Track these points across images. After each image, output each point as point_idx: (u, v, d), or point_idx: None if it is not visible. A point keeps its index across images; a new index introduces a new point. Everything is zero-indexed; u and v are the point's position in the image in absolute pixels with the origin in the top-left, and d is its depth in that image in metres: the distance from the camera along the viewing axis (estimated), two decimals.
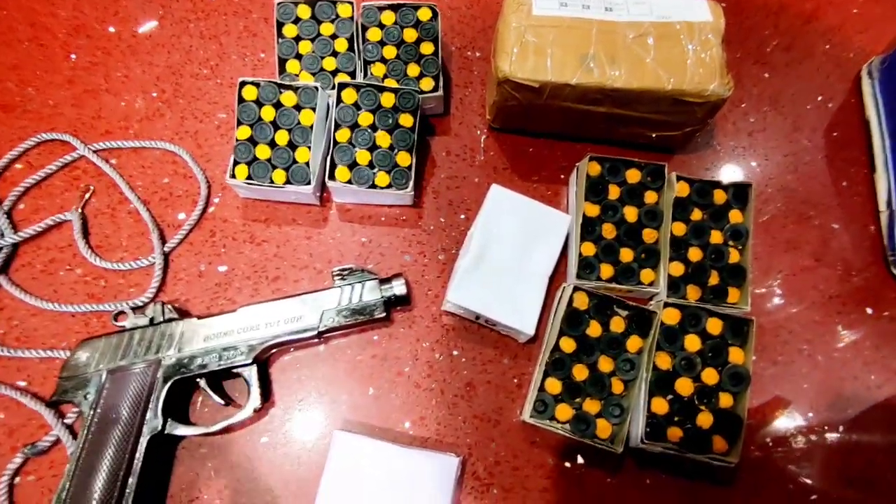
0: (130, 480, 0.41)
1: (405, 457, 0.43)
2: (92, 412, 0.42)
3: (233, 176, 0.50)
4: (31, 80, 0.57)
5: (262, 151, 0.50)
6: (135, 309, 0.48)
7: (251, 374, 0.45)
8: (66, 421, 0.45)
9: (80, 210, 0.52)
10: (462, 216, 0.54)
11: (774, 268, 0.55)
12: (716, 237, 0.51)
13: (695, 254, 0.51)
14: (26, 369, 0.47)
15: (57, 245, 0.51)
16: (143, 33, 0.60)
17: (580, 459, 0.47)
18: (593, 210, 0.51)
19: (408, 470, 0.42)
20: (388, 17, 0.55)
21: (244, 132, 0.51)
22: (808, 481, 0.48)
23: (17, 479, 0.44)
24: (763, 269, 0.54)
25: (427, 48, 0.55)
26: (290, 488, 0.45)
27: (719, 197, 0.52)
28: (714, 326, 0.47)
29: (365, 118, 0.51)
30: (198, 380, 0.45)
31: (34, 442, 0.44)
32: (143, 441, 0.42)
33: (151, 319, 0.46)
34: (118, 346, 0.45)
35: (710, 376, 0.46)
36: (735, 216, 0.52)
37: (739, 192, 0.52)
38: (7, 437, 0.45)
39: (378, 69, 0.54)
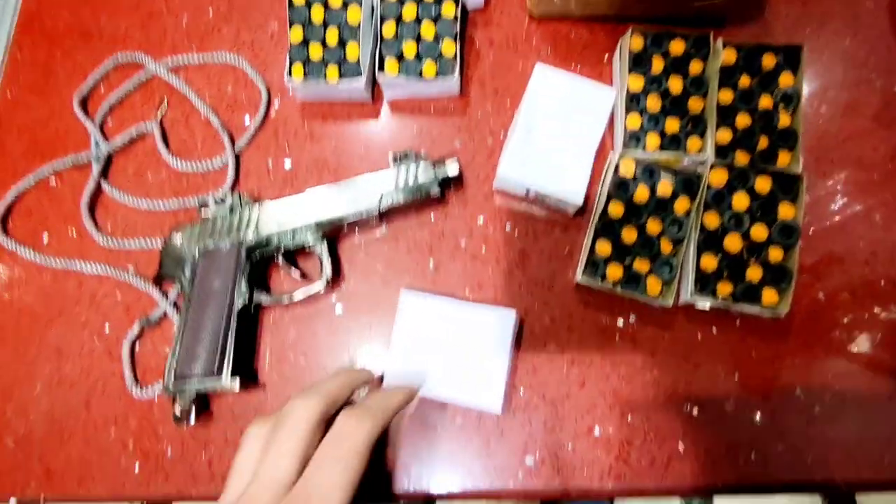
0: (229, 336, 0.47)
1: (466, 310, 0.47)
2: (190, 287, 0.49)
3: (290, 74, 0.54)
4: (102, 8, 0.62)
5: (315, 51, 0.54)
6: (216, 201, 0.54)
7: (322, 249, 0.50)
8: (169, 299, 0.51)
9: (158, 121, 0.57)
10: (508, 102, 0.56)
11: (830, 132, 0.54)
12: (765, 102, 0.51)
13: (743, 119, 0.51)
14: (132, 257, 0.54)
15: (143, 153, 0.57)
16: None
17: (632, 318, 0.50)
18: (638, 82, 0.52)
19: (469, 322, 0.46)
20: None
21: (297, 34, 0.54)
22: (860, 336, 0.49)
23: (137, 347, 0.51)
24: (818, 135, 0.54)
25: None
26: (363, 348, 0.50)
27: (768, 62, 0.51)
28: (763, 184, 0.48)
29: (409, 11, 0.53)
30: (277, 258, 0.50)
31: (148, 315, 0.51)
32: (236, 307, 0.48)
33: (231, 208, 0.51)
34: (204, 230, 0.50)
35: (759, 232, 0.47)
36: (786, 79, 0.51)
37: (790, 55, 0.51)
38: (125, 313, 0.52)
39: None
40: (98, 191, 0.56)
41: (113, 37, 0.61)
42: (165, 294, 0.52)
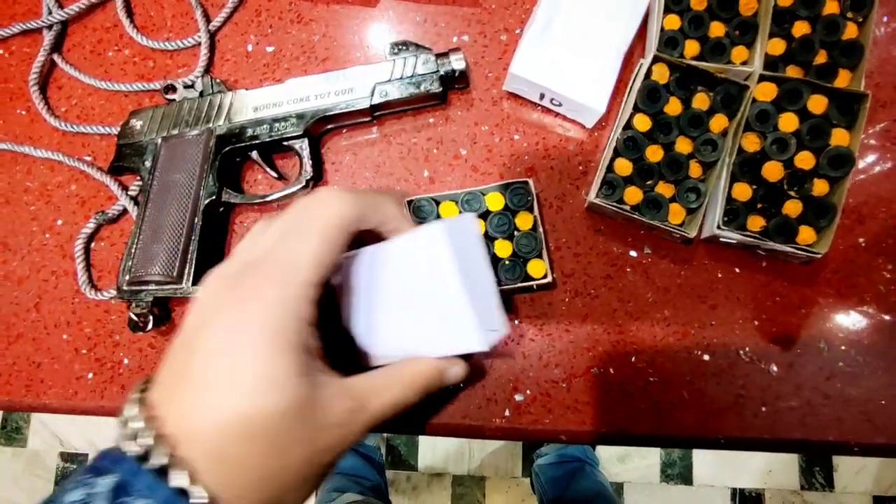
0: (193, 237, 0.41)
1: (390, 248, 0.32)
2: (150, 177, 0.43)
3: None
4: None
5: None
6: (184, 85, 0.47)
7: (303, 146, 0.43)
8: (129, 193, 0.46)
9: None
10: None
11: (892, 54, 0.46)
12: (831, 6, 0.43)
13: (801, 27, 0.43)
14: (89, 145, 0.47)
15: (103, 25, 0.49)
16: None
17: (646, 250, 0.44)
18: None
19: (399, 261, 0.32)
20: None
21: None
22: None
23: (93, 245, 0.46)
24: (884, 56, 0.46)
25: None
26: None
27: None
28: (817, 104, 0.41)
29: None
30: (250, 153, 0.44)
31: (104, 210, 0.45)
32: (202, 203, 0.42)
33: (201, 93, 0.45)
34: (169, 115, 0.44)
35: (804, 160, 0.41)
36: None
37: None
38: (80, 206, 0.46)
39: None
40: (51, 66, 0.49)
41: None
42: (125, 187, 0.46)
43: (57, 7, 0.49)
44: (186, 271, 0.41)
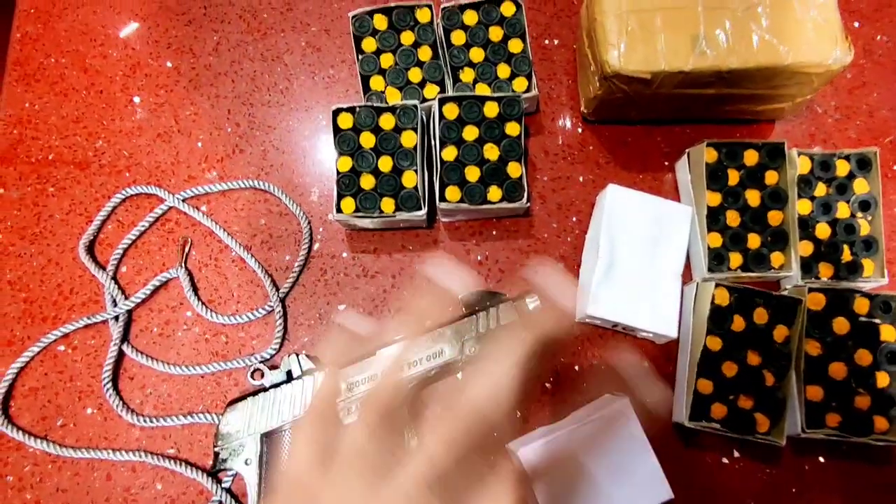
0: None
1: (588, 427, 0.43)
2: (258, 478, 0.42)
3: (339, 210, 0.48)
4: (98, 131, 0.54)
5: (367, 181, 0.48)
6: (264, 362, 0.47)
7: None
8: (224, 486, 0.44)
9: (183, 265, 0.50)
10: (574, 218, 0.52)
11: None
12: (843, 211, 0.50)
13: (823, 230, 0.49)
14: (171, 437, 0.46)
15: (168, 305, 0.49)
16: (202, 63, 0.56)
17: (736, 454, 0.47)
18: (715, 199, 0.49)
19: (597, 436, 0.43)
20: (470, 17, 0.51)
21: (345, 163, 0.48)
22: None
23: None
24: (890, 234, 0.53)
25: (515, 46, 0.51)
26: None
27: (842, 168, 0.50)
28: (861, 306, 0.46)
29: (470, 132, 0.48)
30: None
31: None
32: None
33: (289, 373, 0.45)
34: (264, 406, 0.44)
35: (863, 357, 0.45)
36: (860, 186, 0.50)
37: (862, 160, 0.50)
38: None
39: (467, 74, 0.51)
40: (120, 357, 0.48)
41: (114, 165, 0.53)
42: (218, 481, 0.45)
43: (122, 296, 0.48)
44: None
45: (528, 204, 0.48)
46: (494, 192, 0.48)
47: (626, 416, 0.43)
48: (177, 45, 0.57)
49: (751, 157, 0.50)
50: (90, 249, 0.50)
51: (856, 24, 0.59)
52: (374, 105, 0.48)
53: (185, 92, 0.55)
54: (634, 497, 0.42)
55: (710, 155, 0.50)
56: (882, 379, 0.45)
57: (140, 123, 0.54)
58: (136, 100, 0.55)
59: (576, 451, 0.43)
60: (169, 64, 0.56)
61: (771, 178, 0.50)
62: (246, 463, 0.42)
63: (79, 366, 0.47)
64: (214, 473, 0.44)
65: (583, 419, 0.44)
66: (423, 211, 0.48)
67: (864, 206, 0.49)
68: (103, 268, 0.49)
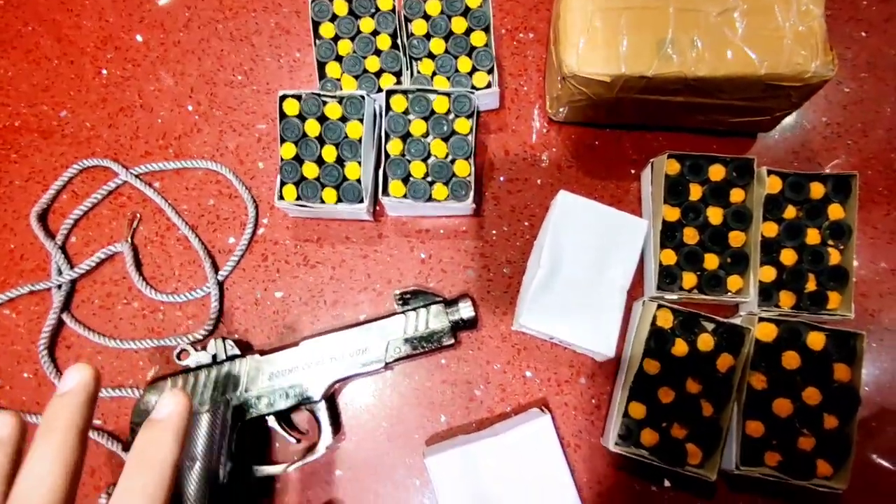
0: None
1: (499, 443, 0.42)
2: None
3: (281, 197, 0.47)
4: (64, 101, 0.55)
5: (310, 170, 0.47)
6: (195, 343, 0.47)
7: (321, 410, 0.44)
8: None
9: (129, 240, 0.50)
10: (526, 223, 0.50)
11: (877, 263, 0.49)
12: (812, 237, 0.46)
13: (788, 256, 0.46)
14: (99, 408, 0.47)
15: (112, 278, 0.50)
16: (171, 40, 0.56)
17: (667, 483, 0.45)
18: (673, 214, 0.47)
19: (510, 452, 0.42)
20: (433, 7, 0.49)
21: (289, 150, 0.47)
22: None
23: None
24: (863, 265, 0.49)
25: (478, 39, 0.49)
26: None
27: (816, 191, 0.46)
28: (815, 341, 0.43)
29: (417, 126, 0.47)
30: (267, 418, 0.44)
31: (115, 483, 0.44)
32: (222, 484, 0.41)
33: (214, 357, 0.45)
34: (184, 388, 0.44)
35: (811, 396, 0.42)
36: (835, 211, 0.46)
37: (840, 184, 0.46)
38: (89, 476, 0.45)
39: (426, 66, 0.50)
40: (59, 325, 0.49)
41: (76, 136, 0.54)
42: None
43: (67, 266, 0.49)
44: None
45: (474, 205, 0.47)
46: (440, 191, 0.47)
47: (545, 433, 0.42)
48: (149, 19, 0.57)
49: (717, 173, 0.47)
50: (42, 218, 0.51)
51: (863, 34, 0.55)
52: (321, 93, 0.47)
53: (151, 67, 0.55)
54: None
55: (672, 167, 0.47)
56: (830, 421, 0.42)
57: (105, 96, 0.55)
58: (104, 72, 0.55)
59: (488, 466, 0.41)
60: (139, 38, 0.56)
61: (737, 195, 0.47)
62: None
63: (21, 330, 0.49)
64: (131, 448, 0.44)
65: (500, 432, 0.42)
66: (365, 204, 0.47)
67: (837, 233, 0.46)
68: (52, 237, 0.50)
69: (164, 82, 0.55)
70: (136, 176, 0.52)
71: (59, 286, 0.49)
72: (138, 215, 0.51)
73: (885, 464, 0.45)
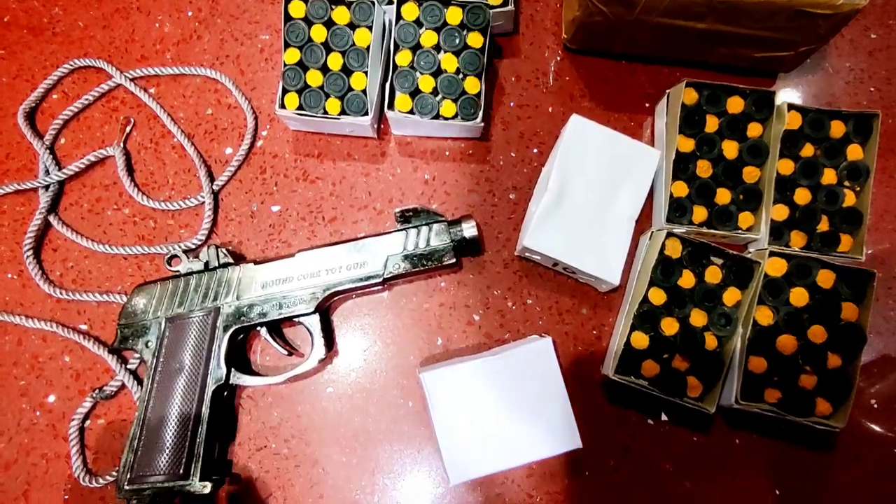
0: (200, 429, 0.39)
1: (497, 363, 0.41)
2: (155, 361, 0.41)
3: (282, 106, 0.45)
4: None
5: (314, 77, 0.45)
6: (187, 252, 0.46)
7: (314, 323, 0.42)
8: (129, 367, 0.44)
9: (122, 145, 0.48)
10: (535, 150, 0.49)
11: (892, 210, 0.48)
12: (829, 176, 0.45)
13: (802, 195, 0.45)
14: (86, 312, 0.45)
15: (102, 183, 0.48)
16: None
17: (664, 417, 0.44)
18: (688, 145, 0.45)
19: (507, 372, 0.40)
20: None
21: (293, 55, 0.45)
22: None
23: (87, 423, 0.43)
24: (878, 213, 0.48)
25: None
26: (358, 440, 0.43)
27: (836, 129, 0.45)
28: (825, 279, 0.42)
29: (428, 38, 0.45)
30: (259, 328, 0.43)
31: (101, 386, 0.43)
32: (209, 391, 0.40)
33: (206, 264, 0.43)
34: (174, 292, 0.42)
35: (817, 334, 0.41)
36: (854, 151, 0.45)
37: (862, 123, 0.45)
38: (74, 380, 0.44)
39: None
40: (46, 227, 0.47)
41: (68, 35, 0.51)
42: (124, 361, 0.44)
43: (55, 167, 0.47)
44: (194, 467, 0.39)
45: (483, 124, 0.45)
46: (448, 107, 0.45)
47: (545, 355, 0.41)
48: None
49: (735, 105, 0.45)
50: (30, 117, 0.49)
51: None
52: None
53: None
54: (540, 440, 0.39)
55: (690, 96, 0.45)
56: (833, 359, 0.41)
57: None
58: None
59: (485, 385, 0.40)
60: None
61: (754, 129, 0.45)
62: (146, 345, 0.41)
63: (4, 230, 0.47)
64: (117, 351, 0.43)
65: (499, 353, 0.41)
66: (370, 117, 0.45)
67: (855, 174, 0.44)
68: (41, 136, 0.48)
69: None
70: (131, 80, 0.49)
71: (47, 187, 0.47)
72: (132, 120, 0.49)
73: (875, 405, 0.44)
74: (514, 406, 0.40)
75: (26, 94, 0.49)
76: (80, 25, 0.51)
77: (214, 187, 0.47)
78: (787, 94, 0.50)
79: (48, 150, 0.47)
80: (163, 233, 0.47)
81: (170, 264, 0.44)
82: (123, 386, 0.44)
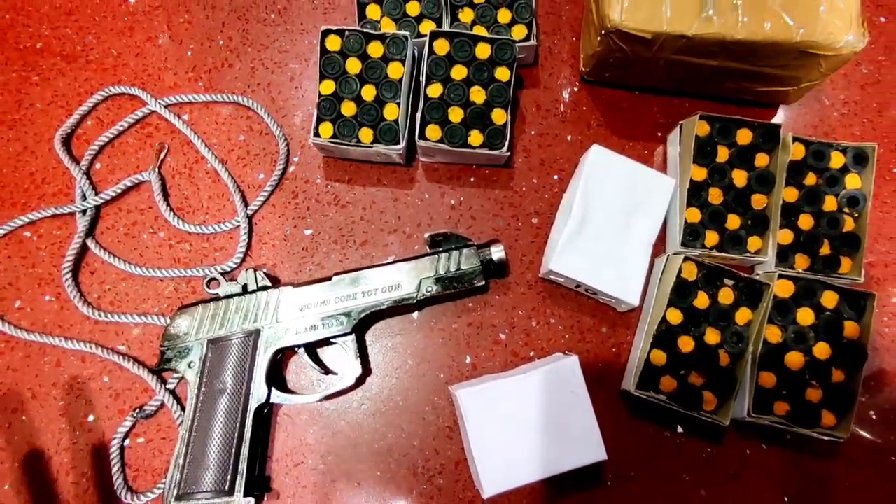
0: (243, 447, 0.41)
1: (527, 380, 0.42)
2: (198, 381, 0.42)
3: (317, 134, 0.47)
4: (89, 26, 0.53)
5: (348, 108, 0.47)
6: (224, 274, 0.47)
7: (349, 343, 0.44)
8: (168, 386, 0.45)
9: (157, 170, 0.50)
10: (555, 177, 0.51)
11: (886, 234, 0.52)
12: (830, 203, 0.48)
13: (806, 221, 0.48)
14: (124, 334, 0.46)
15: (137, 207, 0.49)
16: None
17: (680, 429, 0.47)
18: (700, 174, 0.48)
19: (537, 389, 0.42)
20: None
21: (328, 87, 0.47)
22: None
23: (127, 441, 0.44)
24: (873, 237, 0.51)
25: None
26: (392, 455, 0.45)
27: (837, 160, 0.48)
28: (829, 300, 0.45)
29: (458, 71, 0.47)
30: (297, 349, 0.45)
31: (142, 406, 0.44)
32: (251, 410, 0.42)
33: (244, 287, 0.45)
34: (215, 314, 0.44)
35: (822, 351, 0.45)
36: (852, 181, 0.48)
37: (859, 155, 0.48)
38: (113, 400, 0.45)
39: (466, 15, 0.50)
40: (83, 250, 0.48)
41: (102, 63, 0.52)
42: (164, 381, 0.45)
43: (92, 191, 0.48)
44: (238, 483, 0.40)
45: (509, 153, 0.47)
46: (476, 137, 0.47)
47: (571, 373, 0.43)
48: None
49: (744, 136, 0.48)
50: (66, 142, 0.50)
51: (882, 19, 0.57)
52: (365, 31, 0.47)
53: None
54: (568, 452, 0.42)
55: (702, 128, 0.48)
56: (837, 374, 0.44)
57: (132, 24, 0.53)
58: (131, 0, 0.54)
59: (516, 401, 0.42)
60: None
61: (761, 160, 0.48)
62: (189, 366, 0.43)
63: (42, 254, 0.48)
64: (159, 371, 0.44)
65: (528, 371, 0.43)
66: (401, 145, 0.47)
67: (853, 201, 0.48)
68: (77, 161, 0.49)
69: (194, 14, 0.54)
70: (165, 106, 0.51)
71: (84, 211, 0.48)
72: (166, 146, 0.51)
73: (874, 416, 0.47)
74: (544, 420, 0.42)
75: (61, 120, 0.50)
76: (114, 53, 0.53)
77: (249, 211, 0.49)
78: (785, 126, 0.54)
79: (84, 175, 0.49)
80: (198, 256, 0.48)
81: (208, 287, 0.45)
82: (162, 405, 0.45)
